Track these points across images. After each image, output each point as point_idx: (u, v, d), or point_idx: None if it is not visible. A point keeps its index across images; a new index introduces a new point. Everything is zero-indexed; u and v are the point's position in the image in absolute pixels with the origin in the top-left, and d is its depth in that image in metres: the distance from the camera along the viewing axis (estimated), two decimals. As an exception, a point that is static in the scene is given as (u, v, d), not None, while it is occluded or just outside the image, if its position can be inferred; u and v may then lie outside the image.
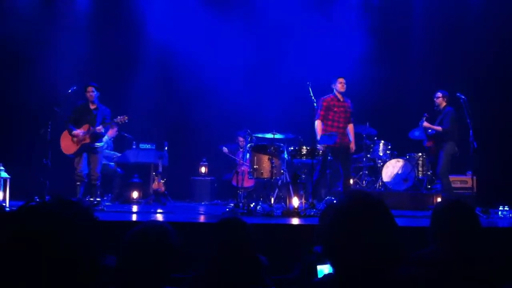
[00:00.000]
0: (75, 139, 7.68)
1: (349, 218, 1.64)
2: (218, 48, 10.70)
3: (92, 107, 7.83)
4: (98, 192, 7.93)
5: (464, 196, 8.20)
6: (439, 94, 8.16)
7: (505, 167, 9.48)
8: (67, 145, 7.75)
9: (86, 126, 7.69)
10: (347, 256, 1.61)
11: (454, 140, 8.00)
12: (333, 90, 7.82)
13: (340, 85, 7.72)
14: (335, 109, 7.72)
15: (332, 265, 1.69)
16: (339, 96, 7.79)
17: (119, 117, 7.78)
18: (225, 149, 10.25)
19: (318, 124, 7.70)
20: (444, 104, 8.10)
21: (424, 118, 8.14)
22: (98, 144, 7.80)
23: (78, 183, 7.71)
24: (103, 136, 7.93)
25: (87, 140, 7.68)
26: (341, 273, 1.64)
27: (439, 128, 7.98)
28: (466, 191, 8.45)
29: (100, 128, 7.66)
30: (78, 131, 7.66)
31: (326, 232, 1.68)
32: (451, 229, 2.49)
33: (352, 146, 8.03)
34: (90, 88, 7.79)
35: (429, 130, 8.11)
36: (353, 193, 1.77)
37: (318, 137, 7.59)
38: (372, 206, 1.66)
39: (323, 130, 7.68)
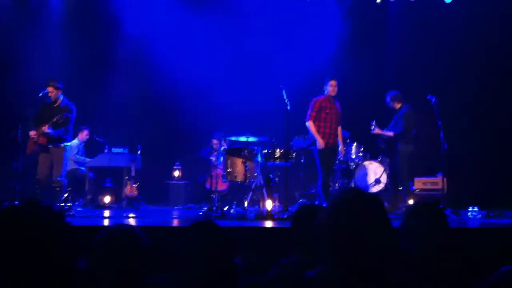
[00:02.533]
0: (34, 138, 7.29)
1: (345, 215, 1.63)
2: (192, 51, 10.66)
3: (55, 105, 7.45)
4: (63, 198, 7.56)
5: (434, 197, 8.32)
6: (388, 99, 8.25)
7: (475, 168, 9.65)
8: (28, 144, 7.39)
9: (41, 125, 7.27)
10: (342, 253, 1.60)
11: (409, 141, 8.07)
12: (324, 91, 7.76)
13: (331, 88, 7.66)
14: (327, 111, 7.67)
15: (327, 262, 1.68)
16: (330, 98, 7.76)
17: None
18: (213, 159, 10.08)
19: (311, 125, 7.63)
20: (398, 105, 8.17)
21: (373, 127, 8.23)
22: (55, 145, 7.36)
23: (37, 186, 7.36)
24: (52, 136, 7.30)
25: (43, 141, 7.28)
26: (336, 270, 1.63)
27: (390, 133, 8.10)
28: (436, 192, 8.58)
29: (45, 128, 7.18)
30: (32, 132, 7.28)
31: (320, 229, 1.68)
32: (421, 229, 2.54)
33: (342, 149, 8.14)
34: (49, 88, 7.39)
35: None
36: (348, 191, 1.77)
37: (318, 138, 7.54)
38: (368, 203, 1.67)
39: (321, 133, 7.64)
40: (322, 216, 1.69)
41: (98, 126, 10.04)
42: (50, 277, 1.22)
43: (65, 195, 8.76)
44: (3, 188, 7.73)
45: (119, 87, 10.46)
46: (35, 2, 10.57)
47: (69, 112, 7.41)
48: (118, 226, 2.26)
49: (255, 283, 3.11)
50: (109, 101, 10.31)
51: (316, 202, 7.76)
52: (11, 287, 1.16)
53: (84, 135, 9.80)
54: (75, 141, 9.63)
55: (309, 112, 7.68)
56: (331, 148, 7.71)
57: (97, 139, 9.81)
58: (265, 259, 3.51)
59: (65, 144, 7.52)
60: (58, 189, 7.39)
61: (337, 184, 9.64)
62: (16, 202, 7.16)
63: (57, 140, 7.37)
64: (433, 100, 7.54)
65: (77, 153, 9.60)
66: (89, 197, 9.30)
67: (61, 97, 7.50)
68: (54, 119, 7.24)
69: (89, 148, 9.94)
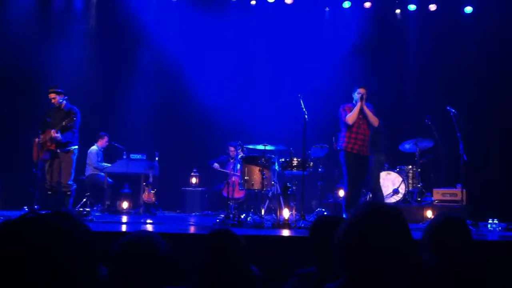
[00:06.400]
0: (41, 142, 7.38)
1: (365, 232, 1.60)
2: (210, 59, 10.74)
3: (59, 110, 7.56)
4: (72, 202, 7.63)
5: (453, 208, 8.23)
6: None
7: (495, 180, 9.53)
8: (34, 151, 7.47)
9: (47, 131, 7.37)
10: (360, 267, 1.58)
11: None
12: (353, 99, 7.48)
13: (359, 96, 7.36)
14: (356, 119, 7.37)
15: (345, 275, 1.65)
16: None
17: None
18: (216, 165, 10.19)
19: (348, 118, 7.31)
20: None
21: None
22: (63, 150, 7.46)
23: (49, 192, 7.46)
24: (60, 140, 7.41)
25: (51, 146, 7.35)
26: (353, 284, 1.60)
27: None
28: (455, 203, 8.48)
29: (53, 133, 7.27)
30: (36, 140, 7.36)
31: (340, 241, 1.64)
32: (445, 244, 2.51)
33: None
34: (51, 95, 7.53)
35: None
36: (369, 206, 1.72)
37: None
38: (389, 219, 1.63)
39: (347, 137, 7.33)
40: (341, 231, 1.66)
41: (118, 133, 10.14)
42: (74, 285, 1.23)
43: (84, 200, 8.88)
44: (24, 193, 7.82)
45: (139, 95, 10.59)
46: (59, 11, 10.73)
47: (75, 115, 7.53)
48: (138, 234, 2.25)
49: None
50: (129, 109, 10.44)
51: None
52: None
53: (103, 141, 9.89)
54: (94, 148, 9.73)
55: (342, 119, 7.41)
56: (357, 155, 7.33)
57: (116, 145, 9.90)
58: (282, 268, 3.51)
59: (73, 147, 7.61)
60: (68, 193, 7.46)
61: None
62: (36, 207, 7.26)
63: (65, 144, 7.47)
64: (453, 111, 7.47)
65: (98, 160, 9.69)
66: (107, 202, 9.36)
67: (64, 101, 7.60)
68: (63, 123, 7.34)
69: (108, 154, 10.02)
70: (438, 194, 8.89)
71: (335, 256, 1.65)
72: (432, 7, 10.77)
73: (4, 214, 7.17)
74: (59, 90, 7.61)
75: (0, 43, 9.98)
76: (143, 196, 9.26)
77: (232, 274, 2.44)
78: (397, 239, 1.59)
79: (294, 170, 7.63)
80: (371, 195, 8.32)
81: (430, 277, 2.33)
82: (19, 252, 1.19)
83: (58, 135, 7.32)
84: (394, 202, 8.86)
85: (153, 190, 9.35)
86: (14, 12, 10.34)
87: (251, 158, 7.60)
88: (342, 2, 11.02)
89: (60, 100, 7.58)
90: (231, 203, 7.93)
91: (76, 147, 7.71)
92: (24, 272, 1.17)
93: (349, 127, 7.37)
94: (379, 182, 8.21)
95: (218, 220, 7.20)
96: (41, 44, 10.17)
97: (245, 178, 7.46)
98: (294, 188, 7.59)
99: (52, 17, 10.65)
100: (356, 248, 1.59)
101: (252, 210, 8.02)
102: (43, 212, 1.34)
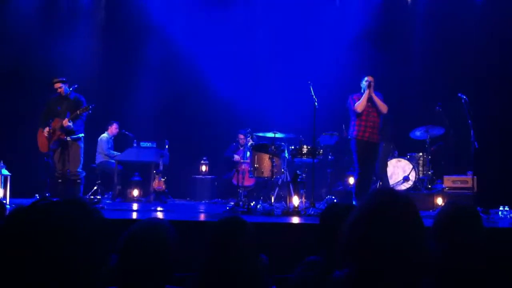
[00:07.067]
0: (47, 134, 7.36)
1: (375, 218, 1.56)
2: (219, 46, 10.70)
3: (65, 98, 7.56)
4: (82, 189, 7.68)
5: (464, 196, 8.20)
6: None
7: (506, 167, 9.47)
8: (42, 142, 7.46)
9: (56, 120, 7.37)
10: (368, 258, 1.54)
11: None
12: (361, 88, 7.45)
13: (366, 84, 7.33)
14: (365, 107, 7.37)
15: (352, 267, 1.61)
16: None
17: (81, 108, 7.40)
18: (236, 158, 10.10)
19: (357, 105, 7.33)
20: None
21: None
22: (71, 137, 7.46)
23: (59, 180, 7.48)
24: (72, 129, 7.43)
25: (60, 135, 7.35)
26: (361, 275, 1.57)
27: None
28: (466, 191, 8.44)
29: (66, 122, 7.27)
30: (46, 129, 7.33)
31: (347, 231, 1.60)
32: (456, 233, 2.47)
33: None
34: (56, 85, 7.52)
35: None
36: (380, 192, 1.68)
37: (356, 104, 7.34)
38: (400, 206, 1.59)
39: (357, 125, 7.35)
40: (350, 220, 1.62)
41: (128, 121, 10.17)
42: (85, 272, 1.24)
43: (95, 187, 8.94)
44: (34, 181, 7.87)
45: (149, 83, 10.60)
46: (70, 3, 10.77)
47: (83, 104, 7.53)
48: (147, 222, 2.25)
49: (280, 279, 3.12)
50: (139, 97, 10.46)
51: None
52: (49, 280, 1.19)
53: (113, 129, 9.93)
54: (105, 135, 9.78)
55: (351, 108, 7.41)
56: (368, 142, 7.35)
57: (126, 133, 9.93)
58: (292, 256, 3.51)
59: (81, 135, 7.63)
60: (78, 181, 7.50)
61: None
62: (47, 194, 7.31)
63: (74, 132, 7.48)
64: (464, 98, 7.41)
65: (109, 147, 9.74)
66: (117, 190, 9.41)
67: (69, 90, 7.59)
68: (78, 112, 7.35)
69: (118, 143, 10.06)
70: (448, 181, 8.85)
71: (340, 251, 1.61)
72: (443, -9, 10.63)
73: (15, 202, 7.24)
74: (64, 79, 7.61)
75: (10, 36, 10.01)
76: (153, 184, 9.29)
77: (240, 261, 2.44)
78: (404, 238, 1.54)
79: (304, 157, 7.61)
80: (380, 183, 8.34)
81: (432, 274, 2.30)
82: (31, 237, 1.20)
83: (71, 123, 7.34)
84: (404, 189, 8.83)
85: (163, 178, 9.38)
86: (24, 4, 10.36)
87: (261, 146, 7.61)
88: (353, -12, 10.94)
89: (70, 89, 7.60)
90: (241, 191, 7.95)
91: (83, 134, 7.74)
92: (36, 257, 1.18)
93: (358, 115, 7.37)
94: (386, 170, 8.24)
95: (228, 208, 7.23)
96: (52, 34, 10.18)
97: (255, 165, 7.47)
98: (303, 175, 7.58)
99: (62, 8, 10.67)
100: (362, 246, 1.55)
101: (261, 197, 8.03)
102: (55, 200, 1.35)
